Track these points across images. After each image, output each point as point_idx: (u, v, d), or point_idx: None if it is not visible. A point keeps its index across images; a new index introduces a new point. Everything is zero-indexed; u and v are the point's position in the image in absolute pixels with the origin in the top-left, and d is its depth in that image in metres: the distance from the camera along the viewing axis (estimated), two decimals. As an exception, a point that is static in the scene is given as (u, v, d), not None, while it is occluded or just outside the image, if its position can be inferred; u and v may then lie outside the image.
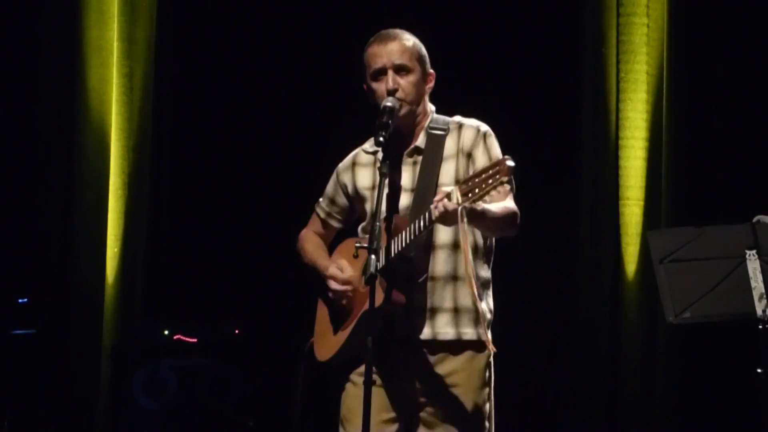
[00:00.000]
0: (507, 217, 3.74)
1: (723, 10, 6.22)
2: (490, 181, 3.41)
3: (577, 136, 6.42)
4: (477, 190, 3.43)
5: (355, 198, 4.01)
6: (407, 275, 3.74)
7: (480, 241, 3.87)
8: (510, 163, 3.40)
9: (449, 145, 3.87)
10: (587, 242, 6.36)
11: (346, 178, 4.03)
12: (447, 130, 3.89)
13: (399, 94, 3.82)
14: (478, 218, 3.58)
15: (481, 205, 3.52)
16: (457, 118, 3.94)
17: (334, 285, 3.89)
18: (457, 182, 3.56)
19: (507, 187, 3.64)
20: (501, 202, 3.67)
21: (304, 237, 4.15)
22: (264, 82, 6.62)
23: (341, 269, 3.89)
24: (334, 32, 6.41)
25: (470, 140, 3.86)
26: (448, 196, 3.49)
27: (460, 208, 3.47)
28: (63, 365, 6.36)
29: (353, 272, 3.87)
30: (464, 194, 3.46)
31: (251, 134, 6.64)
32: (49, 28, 6.60)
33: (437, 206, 3.52)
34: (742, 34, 6.21)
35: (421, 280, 3.77)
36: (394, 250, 3.70)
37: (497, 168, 3.40)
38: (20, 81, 6.56)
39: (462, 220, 3.48)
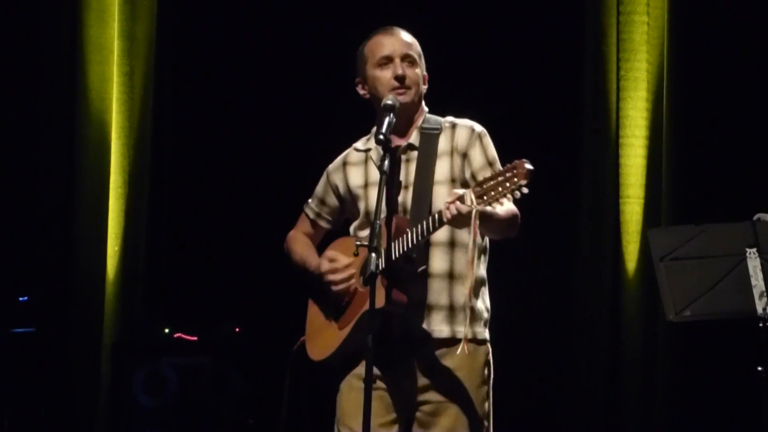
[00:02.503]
0: (510, 219, 3.73)
1: (723, 8, 6.22)
2: (508, 184, 3.39)
3: (578, 134, 6.41)
4: (492, 193, 3.42)
5: (347, 197, 4.00)
6: (407, 274, 3.72)
7: (478, 240, 3.84)
8: (529, 166, 3.37)
9: (442, 144, 3.87)
10: (587, 240, 6.35)
11: (337, 178, 4.02)
12: (440, 129, 3.89)
13: (407, 81, 3.85)
14: (486, 221, 3.57)
15: (491, 208, 3.50)
16: (450, 119, 3.94)
17: (332, 276, 3.85)
18: (470, 184, 3.53)
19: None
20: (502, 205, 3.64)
21: (292, 238, 4.13)
22: (264, 81, 6.62)
23: (337, 262, 3.87)
24: (332, 32, 6.40)
25: (465, 140, 3.86)
26: (461, 198, 3.48)
27: (474, 211, 3.46)
28: (63, 364, 6.36)
29: (350, 267, 3.85)
30: (478, 197, 3.44)
31: (252, 133, 6.64)
32: (50, 27, 6.60)
33: (450, 208, 3.50)
34: (742, 31, 6.21)
35: (420, 272, 3.75)
36: (398, 250, 3.68)
37: (515, 171, 3.38)
38: (21, 79, 6.56)
39: (474, 223, 3.47)
